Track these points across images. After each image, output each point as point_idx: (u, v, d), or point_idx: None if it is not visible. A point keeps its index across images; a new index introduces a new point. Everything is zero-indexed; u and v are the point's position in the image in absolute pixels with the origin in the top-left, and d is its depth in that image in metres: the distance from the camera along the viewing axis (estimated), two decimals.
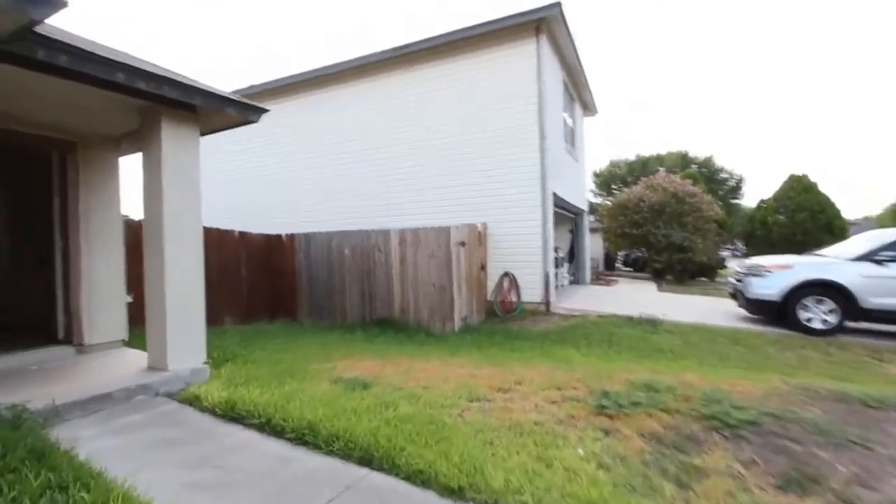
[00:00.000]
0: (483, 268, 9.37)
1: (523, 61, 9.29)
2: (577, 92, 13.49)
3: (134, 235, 5.63)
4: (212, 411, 3.67)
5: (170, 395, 4.08)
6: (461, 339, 7.17)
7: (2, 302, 5.83)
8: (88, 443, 3.08)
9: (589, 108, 15.07)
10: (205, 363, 4.59)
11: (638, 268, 22.97)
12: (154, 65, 4.14)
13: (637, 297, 12.37)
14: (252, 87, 11.99)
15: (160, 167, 4.32)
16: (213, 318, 8.15)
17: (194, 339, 4.53)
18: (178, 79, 4.12)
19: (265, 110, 4.88)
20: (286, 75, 11.65)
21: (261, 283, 9.23)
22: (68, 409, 3.51)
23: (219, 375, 4.52)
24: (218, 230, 8.57)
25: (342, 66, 10.97)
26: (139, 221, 5.48)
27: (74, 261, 5.14)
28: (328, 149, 11.54)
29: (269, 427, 3.33)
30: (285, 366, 5.02)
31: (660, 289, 15.01)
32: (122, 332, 5.45)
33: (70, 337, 5.12)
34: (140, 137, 4.58)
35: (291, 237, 9.47)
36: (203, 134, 5.30)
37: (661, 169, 22.60)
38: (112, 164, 5.46)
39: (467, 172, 9.83)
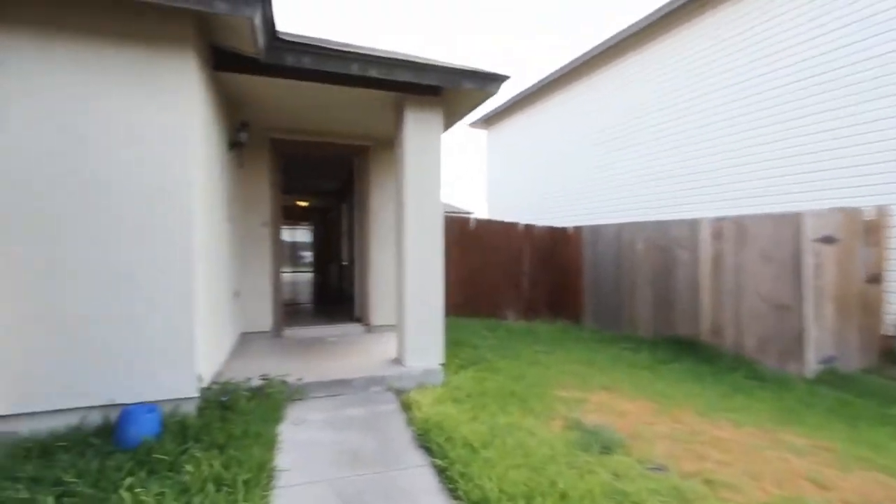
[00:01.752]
0: (877, 280, 5.66)
1: None
2: None
3: None
4: (416, 427, 3.20)
5: (398, 393, 3.92)
6: (814, 393, 4.38)
7: (325, 287, 7.37)
8: (304, 430, 3.12)
9: None
10: (440, 364, 4.27)
11: None
12: (386, 51, 4.02)
13: None
14: (534, 85, 11.58)
15: (402, 157, 4.23)
16: (494, 310, 8.19)
17: (431, 337, 4.27)
18: (410, 59, 3.86)
19: (504, 78, 4.11)
20: (575, 58, 10.59)
21: (544, 279, 8.68)
22: (314, 388, 3.79)
23: (448, 382, 4.09)
24: (502, 223, 8.55)
25: (632, 29, 8.97)
26: None
27: (366, 252, 5.89)
28: (615, 129, 9.82)
29: (444, 476, 2.54)
30: (525, 384, 4.14)
31: None
32: None
33: (362, 318, 5.91)
34: (396, 133, 4.66)
35: (578, 230, 8.47)
36: (452, 121, 5.06)
37: None
38: None
39: (834, 126, 6.13)
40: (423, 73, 3.90)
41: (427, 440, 2.95)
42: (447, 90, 4.23)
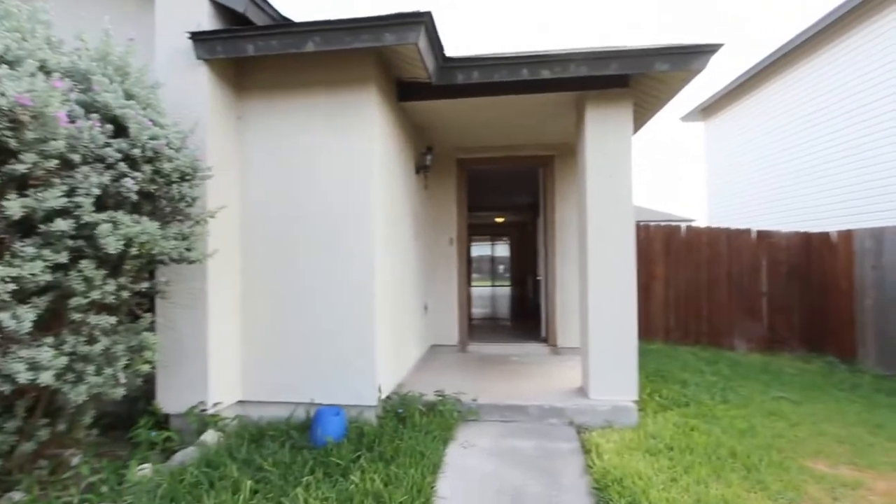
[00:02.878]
0: None
1: None
2: None
3: None
4: (594, 479, 2.69)
5: (579, 429, 3.42)
6: None
7: (521, 302, 7.15)
8: (469, 455, 2.98)
9: None
10: (633, 402, 3.58)
11: None
12: (557, 49, 3.66)
13: None
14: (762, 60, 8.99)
15: (584, 160, 3.79)
16: (715, 338, 6.71)
17: (621, 366, 3.63)
18: (585, 50, 3.42)
19: (711, 48, 3.26)
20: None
21: (790, 301, 6.66)
22: (488, 411, 3.63)
23: (643, 426, 3.39)
24: (726, 230, 6.97)
25: None
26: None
27: (551, 267, 5.52)
28: None
29: None
30: (754, 443, 3.12)
31: None
32: None
33: (548, 337, 5.54)
34: (577, 135, 4.23)
35: (847, 235, 6.23)
36: (649, 113, 4.34)
37: None
38: None
39: None
40: (600, 63, 3.41)
41: (605, 498, 2.42)
42: (636, 78, 3.63)
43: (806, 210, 8.82)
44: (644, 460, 2.79)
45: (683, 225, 7.11)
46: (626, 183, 3.70)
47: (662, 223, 7.20)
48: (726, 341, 6.70)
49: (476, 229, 16.98)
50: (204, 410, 3.02)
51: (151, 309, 2.86)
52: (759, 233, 6.85)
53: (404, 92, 3.94)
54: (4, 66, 1.91)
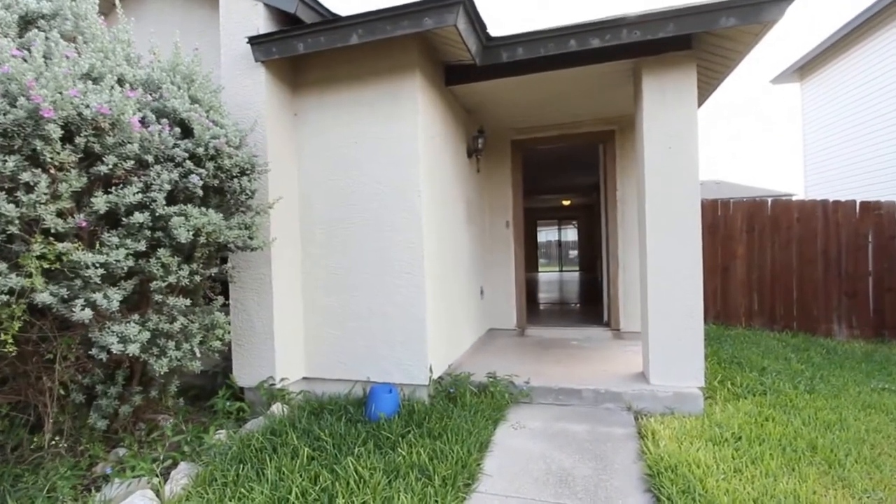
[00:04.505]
0: None
1: None
2: None
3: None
4: (647, 465, 2.58)
5: (637, 415, 3.29)
6: None
7: (588, 286, 6.92)
8: (518, 436, 2.98)
9: None
10: (699, 388, 3.36)
11: None
12: (610, 15, 3.43)
13: None
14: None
15: (642, 133, 3.56)
16: (807, 323, 6.09)
17: (685, 353, 3.41)
18: (635, 14, 3.18)
19: None
20: None
21: None
22: (541, 393, 3.59)
23: (709, 415, 3.17)
24: (821, 203, 6.20)
25: None
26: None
27: (612, 249, 5.27)
28: None
29: None
30: (842, 437, 2.81)
31: None
32: None
33: (610, 321, 5.32)
34: (635, 107, 3.97)
35: None
36: (718, 77, 3.97)
37: None
38: None
39: None
40: (655, 25, 3.15)
41: (657, 485, 2.32)
42: (699, 38, 3.33)
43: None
44: (705, 449, 2.62)
45: (769, 199, 6.41)
46: (690, 154, 3.42)
47: (745, 199, 6.54)
48: (822, 327, 5.99)
49: (541, 213, 16.58)
50: (272, 385, 3.31)
51: (224, 293, 3.17)
52: (864, 204, 6.00)
53: (451, 76, 3.94)
54: (90, 82, 2.20)
